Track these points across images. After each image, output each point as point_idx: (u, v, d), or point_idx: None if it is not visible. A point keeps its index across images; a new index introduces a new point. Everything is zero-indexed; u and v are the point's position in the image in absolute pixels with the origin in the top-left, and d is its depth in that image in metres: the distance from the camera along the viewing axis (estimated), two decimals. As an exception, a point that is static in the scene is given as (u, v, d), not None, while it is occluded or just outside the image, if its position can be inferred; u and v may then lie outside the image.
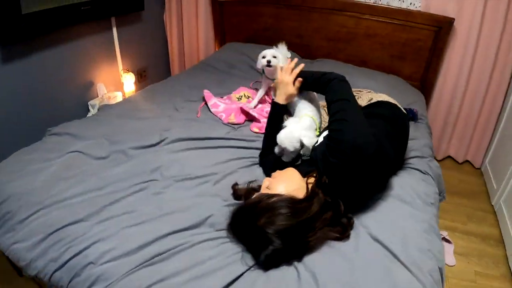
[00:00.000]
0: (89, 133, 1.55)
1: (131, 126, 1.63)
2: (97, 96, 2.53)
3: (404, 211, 1.19)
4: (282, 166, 1.22)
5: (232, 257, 0.98)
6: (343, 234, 1.04)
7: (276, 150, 1.29)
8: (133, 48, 2.75)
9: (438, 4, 2.19)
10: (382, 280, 0.93)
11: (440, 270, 1.02)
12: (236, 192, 1.19)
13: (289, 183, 1.07)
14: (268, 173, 1.26)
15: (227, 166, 1.38)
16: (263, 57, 1.71)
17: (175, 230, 1.04)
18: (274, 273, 0.94)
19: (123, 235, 1.02)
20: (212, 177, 1.30)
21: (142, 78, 2.85)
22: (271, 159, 1.31)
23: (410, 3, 2.26)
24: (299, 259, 0.97)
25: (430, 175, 1.43)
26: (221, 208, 1.14)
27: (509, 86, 2.29)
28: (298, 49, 2.61)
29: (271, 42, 2.60)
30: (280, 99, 1.36)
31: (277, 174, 1.14)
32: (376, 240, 1.06)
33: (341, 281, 0.92)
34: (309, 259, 0.98)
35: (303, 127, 1.25)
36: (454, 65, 2.32)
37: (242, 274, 0.93)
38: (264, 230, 0.93)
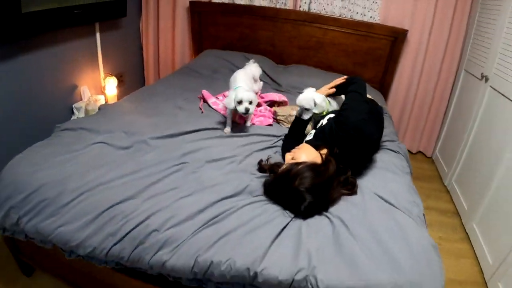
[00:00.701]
0: (104, 128, 1.60)
1: (142, 121, 1.71)
2: (81, 99, 2.53)
3: (390, 177, 1.47)
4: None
5: (274, 213, 1.15)
6: (352, 190, 1.30)
7: (296, 113, 1.59)
8: (113, 53, 2.79)
9: (394, 17, 2.62)
10: (389, 220, 1.17)
11: (423, 215, 1.30)
12: (262, 167, 1.38)
13: (308, 154, 1.30)
14: (287, 150, 1.45)
15: (243, 150, 1.54)
16: (239, 102, 1.63)
17: (221, 198, 1.18)
18: (311, 221, 1.14)
19: (177, 206, 1.13)
20: (235, 158, 1.46)
21: (120, 83, 2.88)
22: (291, 143, 1.51)
23: (370, 17, 2.65)
24: (326, 210, 1.19)
25: (401, 153, 1.74)
26: (253, 180, 1.31)
27: (453, 87, 2.77)
28: (272, 56, 2.88)
29: (247, 50, 2.90)
30: None
31: (296, 149, 1.36)
32: (376, 195, 1.31)
33: (361, 222, 1.14)
34: (333, 209, 1.20)
35: (316, 94, 1.57)
36: (407, 69, 2.75)
37: (288, 224, 1.10)
38: (298, 190, 1.15)
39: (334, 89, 1.62)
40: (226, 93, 2.18)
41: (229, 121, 1.75)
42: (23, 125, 2.07)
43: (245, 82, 1.90)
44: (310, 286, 0.91)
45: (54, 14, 2.01)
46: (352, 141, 1.33)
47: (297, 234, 1.06)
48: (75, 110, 2.48)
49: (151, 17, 2.99)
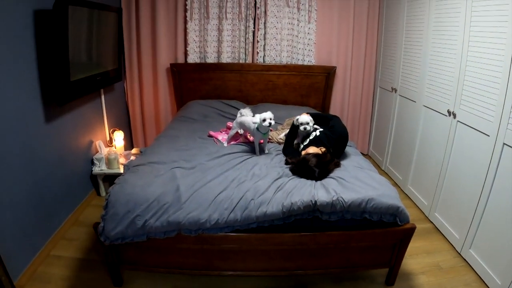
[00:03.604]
0: (166, 160, 2.48)
1: (187, 153, 2.63)
2: (96, 152, 3.32)
3: (354, 157, 2.67)
4: (297, 150, 2.62)
5: (305, 181, 2.19)
6: (339, 165, 2.43)
7: (301, 127, 2.68)
8: (111, 111, 3.65)
9: (325, 59, 4.04)
10: (363, 173, 2.32)
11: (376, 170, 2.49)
12: (287, 161, 2.46)
13: (313, 150, 2.43)
14: (291, 154, 2.58)
15: (267, 157, 2.61)
16: (264, 120, 2.59)
17: (274, 179, 2.19)
18: (324, 180, 2.21)
19: (255, 186, 2.10)
20: (266, 161, 2.51)
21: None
22: (292, 149, 2.67)
23: (308, 61, 4.01)
24: (328, 175, 2.28)
25: (353, 147, 2.98)
26: (284, 169, 2.36)
27: (373, 100, 4.26)
28: (240, 99, 4.02)
29: (220, 97, 4.04)
30: None
31: (307, 149, 2.47)
32: (351, 165, 2.46)
33: (349, 176, 2.24)
34: (332, 175, 2.28)
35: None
36: (339, 93, 4.16)
37: (315, 184, 2.16)
38: (312, 167, 2.23)
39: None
40: (226, 129, 3.21)
41: (257, 148, 2.70)
42: (61, 175, 2.80)
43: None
44: (341, 203, 1.97)
45: (86, 81, 2.85)
46: (339, 141, 2.52)
47: (322, 185, 2.14)
48: (95, 161, 3.25)
49: (135, 78, 3.94)
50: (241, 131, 2.97)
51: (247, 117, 2.83)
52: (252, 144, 2.84)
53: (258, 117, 2.63)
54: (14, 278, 2.15)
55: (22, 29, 2.28)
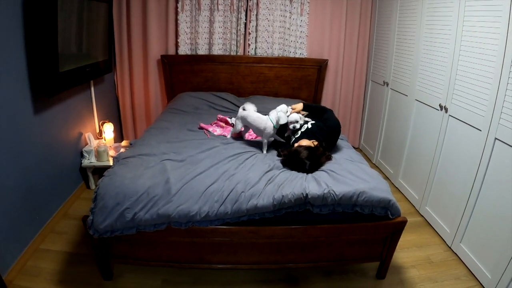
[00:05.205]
0: (156, 152, 2.44)
1: (177, 145, 2.59)
2: (86, 144, 3.27)
3: (345, 150, 2.67)
4: (288, 142, 2.62)
5: (296, 174, 2.18)
6: (331, 159, 2.42)
7: (290, 125, 2.66)
8: (101, 103, 3.59)
9: (317, 52, 4.01)
10: (354, 165, 2.31)
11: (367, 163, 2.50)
12: (279, 154, 2.44)
13: (306, 143, 2.41)
14: (282, 146, 2.57)
15: (256, 150, 2.58)
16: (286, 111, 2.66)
17: (265, 172, 2.17)
18: (315, 173, 2.20)
19: (246, 179, 2.08)
20: (258, 155, 2.49)
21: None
22: (282, 141, 2.66)
23: (300, 54, 3.98)
24: (319, 168, 2.27)
25: (345, 140, 2.98)
26: (275, 162, 2.35)
27: (365, 94, 4.25)
28: (232, 92, 3.99)
29: (211, 89, 3.99)
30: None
31: (300, 141, 2.45)
32: (342, 158, 2.46)
33: (340, 169, 2.24)
34: (323, 167, 2.27)
35: (298, 114, 2.68)
36: (331, 86, 4.15)
37: (306, 177, 2.15)
38: (303, 159, 2.22)
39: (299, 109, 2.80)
40: (217, 121, 3.19)
41: (265, 147, 2.60)
42: (50, 167, 2.75)
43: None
44: (332, 196, 1.97)
45: (76, 73, 2.78)
46: (332, 133, 2.52)
47: (313, 178, 2.13)
48: (85, 154, 3.20)
49: (125, 70, 3.88)
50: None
51: (254, 113, 2.72)
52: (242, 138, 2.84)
53: (282, 114, 2.59)
54: (3, 272, 2.13)
55: (11, 18, 2.21)
